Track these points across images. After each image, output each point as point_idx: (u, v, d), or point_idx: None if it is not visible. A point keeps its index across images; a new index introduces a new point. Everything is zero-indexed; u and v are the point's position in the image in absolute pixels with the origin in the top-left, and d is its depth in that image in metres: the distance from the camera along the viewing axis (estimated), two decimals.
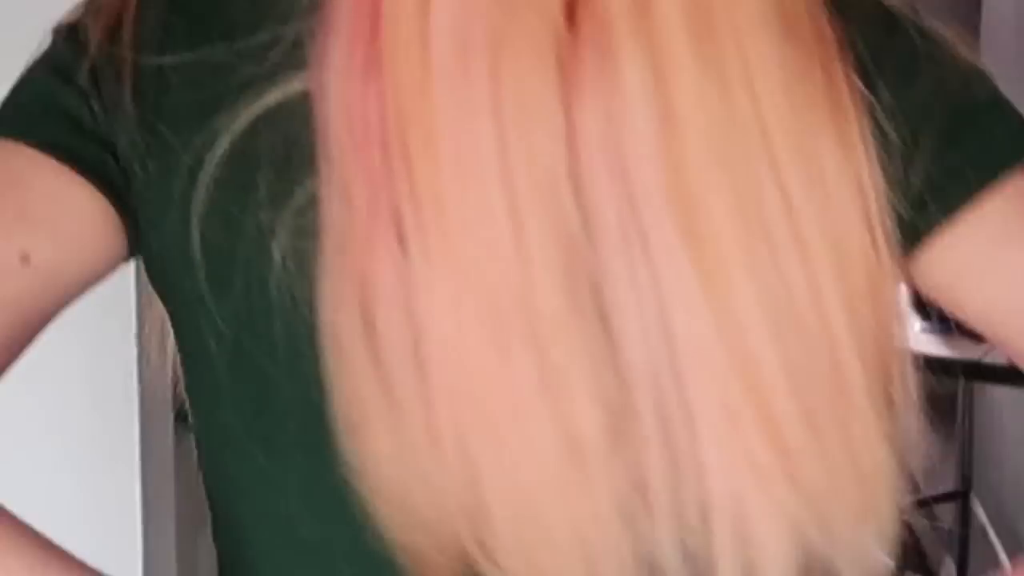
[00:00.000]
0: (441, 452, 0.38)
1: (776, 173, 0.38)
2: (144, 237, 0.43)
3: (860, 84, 0.39)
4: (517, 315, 0.38)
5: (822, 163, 0.38)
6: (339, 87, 0.38)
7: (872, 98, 0.39)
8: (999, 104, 0.43)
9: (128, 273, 0.56)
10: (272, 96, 0.40)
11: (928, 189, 0.41)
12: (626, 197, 0.37)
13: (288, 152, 0.40)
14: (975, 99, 0.42)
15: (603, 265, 0.38)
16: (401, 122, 0.38)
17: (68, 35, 0.43)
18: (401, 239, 0.38)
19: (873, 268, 0.40)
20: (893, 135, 0.39)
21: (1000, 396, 2.45)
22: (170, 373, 0.48)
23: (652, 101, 0.37)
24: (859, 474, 0.40)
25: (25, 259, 0.42)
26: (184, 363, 0.46)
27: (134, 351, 1.02)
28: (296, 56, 0.39)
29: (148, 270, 0.45)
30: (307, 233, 0.39)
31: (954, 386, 2.56)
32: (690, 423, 0.38)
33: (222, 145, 0.40)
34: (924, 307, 1.64)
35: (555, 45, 0.37)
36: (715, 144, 0.37)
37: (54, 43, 0.44)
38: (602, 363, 0.38)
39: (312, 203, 0.39)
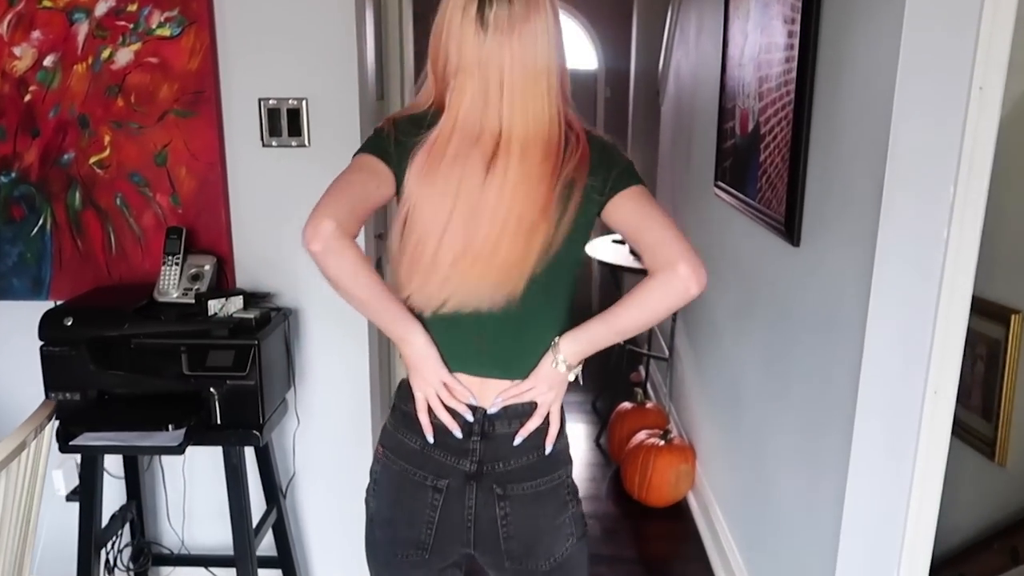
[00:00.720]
0: (430, 271, 1.10)
1: (541, 200, 1.07)
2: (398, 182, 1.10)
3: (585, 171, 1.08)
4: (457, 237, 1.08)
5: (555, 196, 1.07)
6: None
7: (590, 173, 1.09)
8: (629, 167, 1.13)
9: None
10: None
11: (611, 188, 1.11)
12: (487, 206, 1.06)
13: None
14: (622, 165, 1.13)
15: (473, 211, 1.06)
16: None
17: (383, 126, 1.14)
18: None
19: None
20: (598, 178, 1.10)
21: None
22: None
23: (499, 194, 1.06)
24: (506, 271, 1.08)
25: (377, 186, 1.12)
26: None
27: None
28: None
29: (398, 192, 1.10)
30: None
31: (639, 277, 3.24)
32: (488, 245, 1.07)
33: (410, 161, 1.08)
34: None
35: (484, 165, 1.06)
36: (517, 207, 1.06)
37: (379, 130, 1.14)
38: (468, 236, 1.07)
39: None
